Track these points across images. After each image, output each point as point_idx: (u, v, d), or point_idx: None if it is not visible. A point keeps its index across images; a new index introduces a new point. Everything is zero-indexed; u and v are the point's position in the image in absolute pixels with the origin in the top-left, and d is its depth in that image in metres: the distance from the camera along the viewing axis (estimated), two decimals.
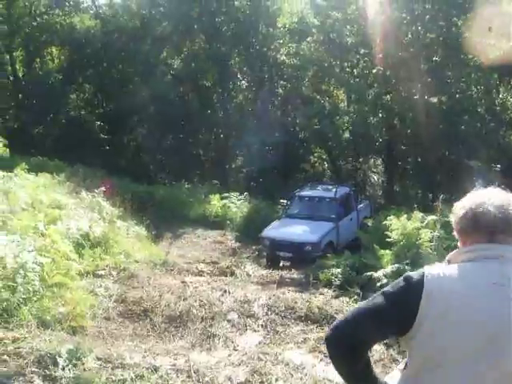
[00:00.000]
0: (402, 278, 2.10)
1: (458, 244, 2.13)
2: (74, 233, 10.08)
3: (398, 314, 2.02)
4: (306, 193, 17.35)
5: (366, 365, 2.21)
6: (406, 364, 2.15)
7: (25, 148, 26.29)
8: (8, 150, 29.61)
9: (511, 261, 1.96)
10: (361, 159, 31.73)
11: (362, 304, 2.16)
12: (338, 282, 10.05)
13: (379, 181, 34.88)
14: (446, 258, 2.14)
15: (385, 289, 2.12)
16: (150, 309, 7.99)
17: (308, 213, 16.06)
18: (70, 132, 28.67)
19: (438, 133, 21.99)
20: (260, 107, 29.61)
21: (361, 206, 17.76)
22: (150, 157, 29.82)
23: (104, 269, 9.66)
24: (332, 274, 10.31)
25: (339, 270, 10.53)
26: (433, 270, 2.03)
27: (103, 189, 14.33)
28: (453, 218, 2.14)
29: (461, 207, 2.10)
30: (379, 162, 32.89)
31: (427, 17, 22.51)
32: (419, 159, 25.79)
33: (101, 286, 8.72)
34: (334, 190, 16.89)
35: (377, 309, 2.06)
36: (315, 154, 32.23)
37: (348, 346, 2.12)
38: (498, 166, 26.13)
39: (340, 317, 2.19)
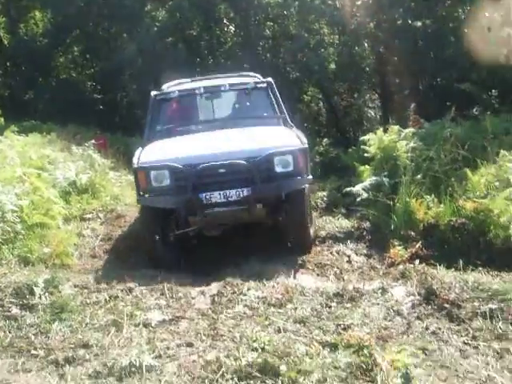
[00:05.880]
0: None
1: None
2: (60, 181, 10.17)
3: None
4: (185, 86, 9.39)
5: None
6: None
7: (18, 115, 26.14)
8: (2, 119, 29.64)
9: None
10: (355, 95, 31.52)
11: None
12: (323, 205, 10.20)
13: (376, 116, 34.76)
14: None
15: None
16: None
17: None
18: (62, 95, 28.46)
19: (426, 58, 21.65)
20: (249, 51, 29.36)
21: None
22: (143, 111, 29.60)
23: (91, 212, 9.80)
24: (317, 198, 10.42)
25: (325, 193, 10.66)
26: None
27: (94, 141, 14.41)
28: None
29: None
30: (376, 96, 32.69)
31: None
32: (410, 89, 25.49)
33: (87, 228, 8.90)
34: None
35: None
36: (308, 93, 32.04)
37: None
38: (493, 90, 25.74)
39: None
